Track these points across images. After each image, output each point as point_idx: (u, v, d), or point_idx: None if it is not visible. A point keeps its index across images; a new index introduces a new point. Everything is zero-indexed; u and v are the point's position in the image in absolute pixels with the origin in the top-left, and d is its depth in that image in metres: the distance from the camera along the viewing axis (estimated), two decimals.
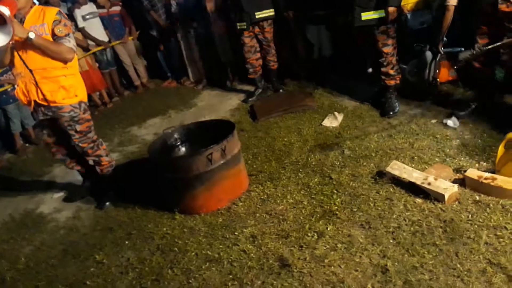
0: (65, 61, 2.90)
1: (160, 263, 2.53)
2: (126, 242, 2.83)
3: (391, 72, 3.74)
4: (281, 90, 5.02)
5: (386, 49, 3.64)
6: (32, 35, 2.69)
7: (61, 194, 3.79)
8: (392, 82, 3.78)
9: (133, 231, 2.92)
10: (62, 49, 2.83)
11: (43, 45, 2.78)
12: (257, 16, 4.51)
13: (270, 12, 4.57)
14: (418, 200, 2.49)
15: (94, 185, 3.55)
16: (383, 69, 3.75)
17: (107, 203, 3.36)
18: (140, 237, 2.84)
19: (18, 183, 4.26)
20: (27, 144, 5.26)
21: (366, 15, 3.54)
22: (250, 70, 4.88)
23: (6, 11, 2.53)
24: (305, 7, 4.77)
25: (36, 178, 4.26)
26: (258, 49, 4.77)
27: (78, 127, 3.10)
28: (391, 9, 3.43)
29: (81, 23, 5.68)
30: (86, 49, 5.84)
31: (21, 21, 2.82)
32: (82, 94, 3.09)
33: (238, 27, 4.60)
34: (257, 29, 4.64)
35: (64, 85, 2.96)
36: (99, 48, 5.85)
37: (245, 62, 4.85)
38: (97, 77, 6.00)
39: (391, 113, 3.72)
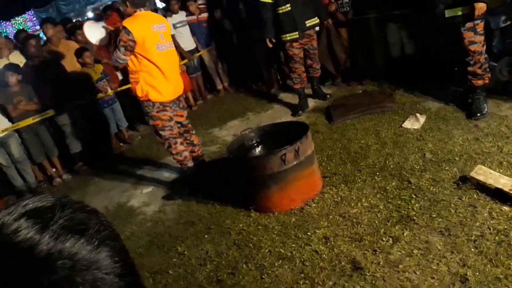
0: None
1: (236, 257, 2.66)
2: (206, 236, 3.01)
3: (479, 71, 3.49)
4: (327, 96, 5.09)
5: (473, 47, 3.41)
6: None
7: (149, 189, 4.13)
8: (480, 82, 3.54)
9: (212, 226, 3.10)
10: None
11: None
12: (308, 25, 4.62)
13: (316, 20, 4.71)
14: (505, 208, 2.32)
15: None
16: (470, 69, 3.52)
17: (176, 199, 3.68)
18: (219, 232, 3.00)
19: (112, 179, 4.71)
20: (121, 144, 5.79)
21: (450, 12, 3.36)
22: (296, 80, 4.92)
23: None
24: (385, 6, 4.66)
25: (128, 175, 4.68)
26: (302, 61, 4.86)
27: (151, 122, 3.51)
28: (479, 4, 3.21)
29: (171, 31, 6.08)
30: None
31: None
32: (147, 95, 3.37)
33: (289, 38, 4.63)
34: (305, 39, 4.72)
35: (132, 87, 3.47)
36: (184, 61, 6.21)
37: (292, 72, 4.93)
38: (186, 80, 6.38)
39: (479, 114, 3.48)
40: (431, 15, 3.53)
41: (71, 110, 5.10)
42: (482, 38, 3.43)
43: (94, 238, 0.46)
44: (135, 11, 3.30)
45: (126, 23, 3.25)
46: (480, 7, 3.23)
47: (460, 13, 3.33)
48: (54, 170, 5.19)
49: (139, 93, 3.38)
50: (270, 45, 4.79)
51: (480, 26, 3.39)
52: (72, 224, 0.46)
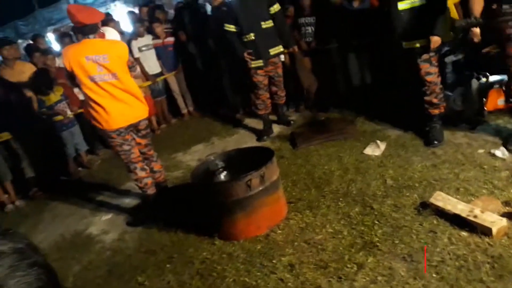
0: None
1: (199, 287, 2.57)
2: (168, 265, 2.90)
3: (435, 101, 3.67)
4: (292, 122, 5.19)
5: (429, 78, 3.59)
6: None
7: (109, 216, 3.97)
8: (436, 111, 3.70)
9: (175, 255, 3.00)
10: None
11: None
12: (271, 53, 4.67)
13: (280, 49, 4.77)
14: (464, 234, 2.39)
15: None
16: (426, 98, 3.69)
17: (131, 224, 3.65)
18: (181, 261, 2.91)
19: (70, 205, 4.50)
20: (79, 168, 5.57)
21: (408, 44, 3.53)
22: (261, 106, 4.96)
23: None
24: (346, 37, 4.84)
25: (86, 201, 4.49)
26: (267, 87, 4.91)
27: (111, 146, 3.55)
28: (434, 38, 3.39)
29: (136, 54, 6.01)
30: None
31: None
32: (97, 122, 3.36)
33: (253, 66, 4.67)
34: (270, 67, 4.77)
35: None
36: (148, 83, 6.15)
37: (256, 99, 4.98)
38: (150, 104, 6.28)
39: (436, 142, 3.63)
40: (389, 46, 3.69)
41: (27, 133, 4.88)
42: (437, 69, 3.61)
43: (1, 266, 0.47)
44: (83, 39, 3.29)
45: (63, 50, 3.43)
46: (435, 41, 3.41)
47: (417, 45, 3.51)
48: (6, 196, 4.90)
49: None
50: (250, 58, 4.64)
51: (435, 58, 3.58)
52: None
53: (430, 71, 3.58)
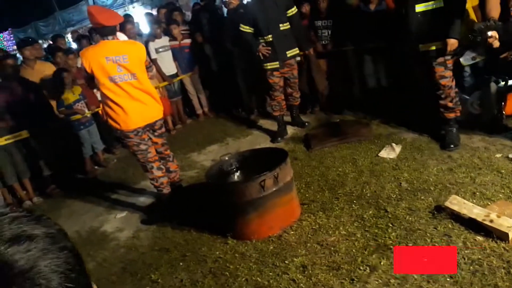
0: None
1: (212, 286, 2.59)
2: (181, 264, 2.93)
3: (450, 104, 3.62)
4: (306, 124, 5.17)
5: (443, 82, 3.55)
6: None
7: (124, 214, 4.03)
8: (452, 115, 3.66)
9: (188, 253, 3.03)
10: None
11: None
12: (288, 55, 4.69)
13: (296, 51, 4.80)
14: (479, 238, 2.36)
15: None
16: (441, 102, 3.65)
17: (145, 223, 3.67)
18: (194, 260, 2.93)
19: (85, 202, 4.58)
20: (96, 167, 5.66)
21: (424, 47, 3.50)
22: (276, 108, 4.97)
23: None
24: (362, 40, 4.82)
25: (102, 198, 4.56)
26: (282, 89, 4.92)
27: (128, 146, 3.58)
28: (451, 41, 3.36)
29: (153, 55, 6.09)
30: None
31: None
32: (115, 123, 3.40)
33: (269, 67, 4.69)
34: (286, 69, 4.79)
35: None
36: (165, 83, 6.23)
37: (271, 100, 4.99)
38: (166, 104, 6.34)
39: (452, 146, 3.58)
40: (405, 49, 3.66)
41: (45, 132, 4.99)
42: (451, 73, 3.57)
43: (34, 248, 0.50)
44: (101, 40, 3.33)
45: (81, 52, 3.44)
46: (452, 43, 3.37)
47: (433, 48, 3.47)
48: (24, 192, 5.01)
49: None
50: (267, 49, 4.60)
51: (450, 61, 3.54)
52: (11, 236, 0.50)
53: (444, 74, 3.54)
